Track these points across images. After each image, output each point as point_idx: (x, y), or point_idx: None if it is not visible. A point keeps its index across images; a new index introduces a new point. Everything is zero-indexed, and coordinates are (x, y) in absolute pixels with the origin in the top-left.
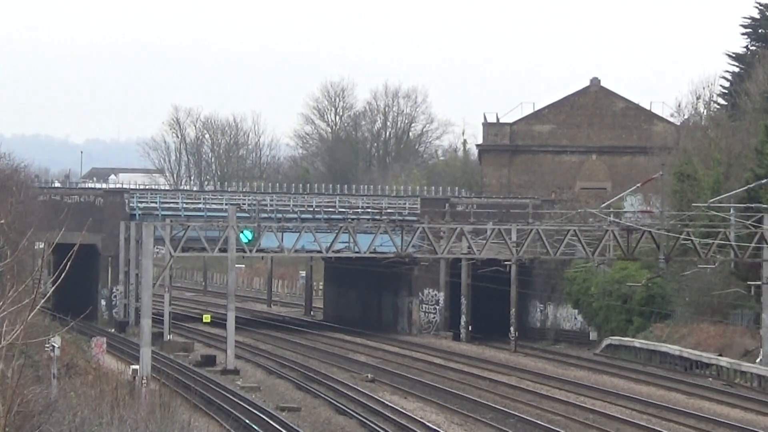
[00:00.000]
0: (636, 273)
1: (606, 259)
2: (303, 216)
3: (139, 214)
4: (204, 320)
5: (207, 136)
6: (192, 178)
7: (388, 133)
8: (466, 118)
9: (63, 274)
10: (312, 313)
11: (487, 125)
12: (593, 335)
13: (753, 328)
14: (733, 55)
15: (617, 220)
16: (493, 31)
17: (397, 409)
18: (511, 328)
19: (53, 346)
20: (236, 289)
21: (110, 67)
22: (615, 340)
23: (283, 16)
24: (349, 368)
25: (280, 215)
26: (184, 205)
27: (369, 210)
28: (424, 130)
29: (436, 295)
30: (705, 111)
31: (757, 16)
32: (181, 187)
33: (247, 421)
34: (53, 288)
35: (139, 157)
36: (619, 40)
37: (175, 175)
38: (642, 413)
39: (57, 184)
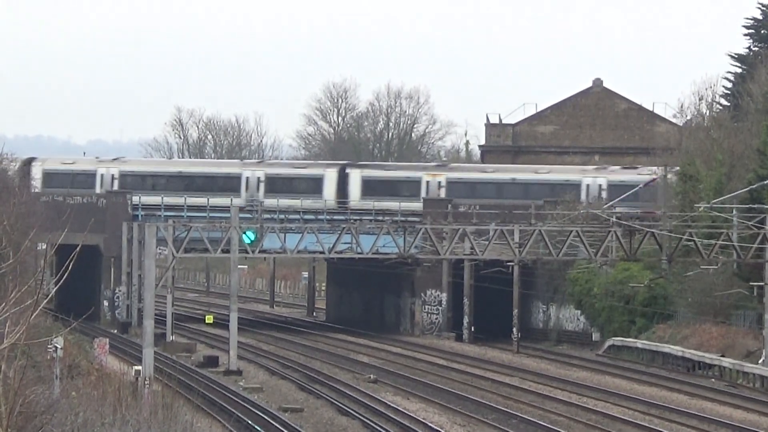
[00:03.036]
0: (638, 274)
1: (609, 260)
2: (305, 217)
3: (141, 215)
4: (206, 321)
5: (209, 137)
6: None
7: (390, 134)
8: (469, 119)
9: (65, 275)
10: (314, 313)
11: (489, 126)
12: (596, 336)
13: (756, 329)
14: (736, 56)
15: (620, 221)
16: (496, 32)
17: (399, 410)
18: (514, 329)
19: (56, 347)
20: (239, 290)
21: (112, 67)
22: (617, 340)
23: (285, 16)
24: (352, 369)
25: (282, 216)
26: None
27: (371, 210)
28: (427, 131)
29: (438, 295)
30: (707, 112)
31: (760, 17)
32: None
33: (250, 422)
34: (55, 289)
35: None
36: (621, 40)
37: None
38: (645, 414)
39: None
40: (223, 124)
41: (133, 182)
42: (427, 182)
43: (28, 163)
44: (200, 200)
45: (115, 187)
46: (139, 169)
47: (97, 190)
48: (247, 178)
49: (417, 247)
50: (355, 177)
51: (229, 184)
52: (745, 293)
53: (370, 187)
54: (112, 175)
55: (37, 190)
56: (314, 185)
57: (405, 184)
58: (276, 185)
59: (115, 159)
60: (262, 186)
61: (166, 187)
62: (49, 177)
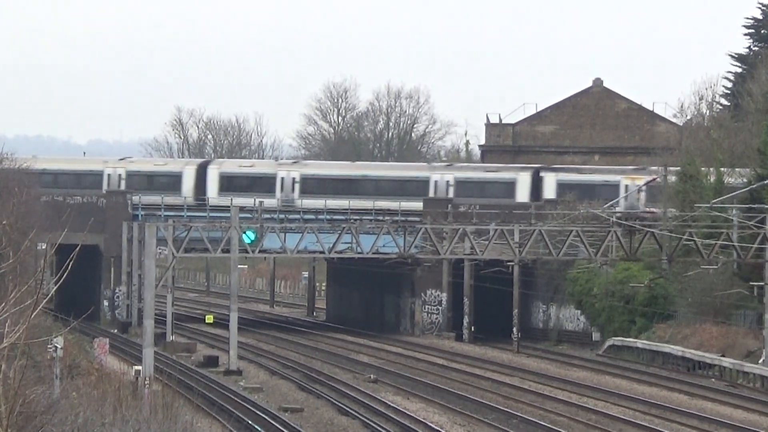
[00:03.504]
0: (639, 274)
1: (609, 259)
2: (305, 216)
3: (141, 215)
4: (206, 321)
5: (210, 136)
6: None
7: (390, 134)
8: (469, 119)
9: (65, 275)
10: (314, 313)
11: (489, 126)
12: (596, 336)
13: (756, 328)
14: (736, 56)
15: (620, 221)
16: (496, 32)
17: (399, 410)
18: (514, 329)
19: (56, 347)
20: (239, 290)
21: (113, 67)
22: (618, 340)
23: (286, 16)
24: (352, 369)
25: (282, 216)
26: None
27: (371, 210)
28: (427, 130)
29: (438, 295)
30: (707, 112)
31: (760, 17)
32: None
33: (250, 422)
34: (55, 289)
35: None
36: (621, 40)
37: None
38: (645, 414)
39: None
40: (223, 124)
41: (314, 186)
42: (626, 186)
43: (204, 166)
44: (390, 204)
45: (296, 191)
46: (321, 172)
47: (277, 194)
48: (436, 182)
49: (417, 247)
50: (550, 181)
51: (416, 188)
52: (745, 293)
53: (566, 191)
54: (293, 179)
55: (213, 194)
56: (506, 189)
57: (603, 188)
58: (465, 189)
59: (294, 162)
60: (451, 190)
61: (350, 191)
62: (225, 180)
